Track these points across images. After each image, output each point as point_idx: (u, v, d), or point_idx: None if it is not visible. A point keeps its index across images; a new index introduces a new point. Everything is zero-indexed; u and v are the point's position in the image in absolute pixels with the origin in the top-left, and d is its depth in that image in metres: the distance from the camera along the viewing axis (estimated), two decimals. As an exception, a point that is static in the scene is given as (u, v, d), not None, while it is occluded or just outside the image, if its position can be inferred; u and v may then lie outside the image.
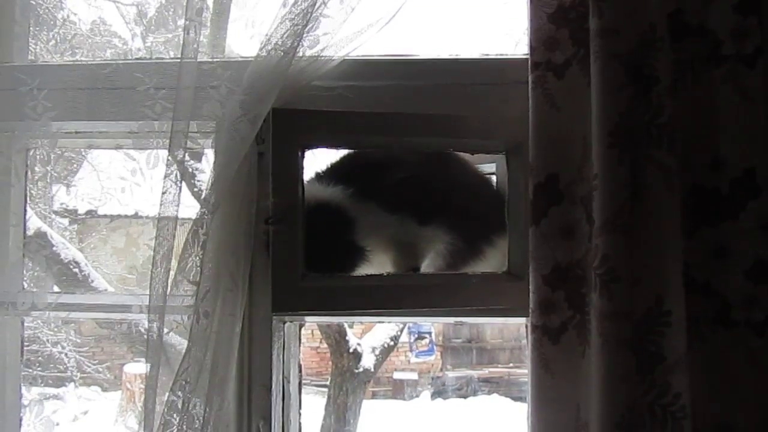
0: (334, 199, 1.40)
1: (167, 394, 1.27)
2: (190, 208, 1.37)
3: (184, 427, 1.25)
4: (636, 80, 1.19)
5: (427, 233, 1.44)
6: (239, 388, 1.41)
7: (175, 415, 1.26)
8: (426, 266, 1.46)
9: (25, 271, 1.61)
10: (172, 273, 1.30)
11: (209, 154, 1.43)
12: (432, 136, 1.41)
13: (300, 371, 1.53)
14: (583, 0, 1.24)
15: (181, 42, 1.31)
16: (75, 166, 4.51)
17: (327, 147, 1.39)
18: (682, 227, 1.20)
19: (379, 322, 4.24)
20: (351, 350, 4.34)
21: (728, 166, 1.24)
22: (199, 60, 1.32)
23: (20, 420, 1.64)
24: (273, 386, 1.43)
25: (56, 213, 4.54)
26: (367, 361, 4.39)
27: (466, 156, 1.50)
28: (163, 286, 1.28)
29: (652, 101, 1.19)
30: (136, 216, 4.65)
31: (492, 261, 1.46)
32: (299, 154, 1.33)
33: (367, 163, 1.47)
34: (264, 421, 1.42)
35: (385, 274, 1.42)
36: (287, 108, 1.33)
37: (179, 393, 1.26)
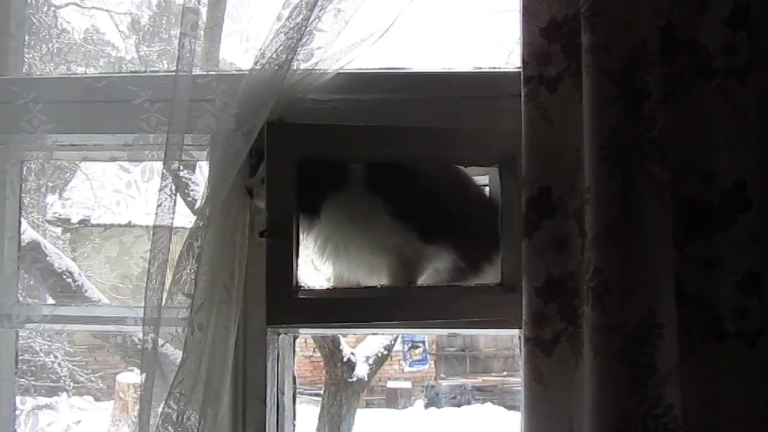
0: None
1: (162, 405, 1.27)
2: (184, 217, 1.38)
3: (179, 439, 1.26)
4: (627, 94, 1.20)
5: (430, 251, 1.44)
6: (234, 400, 1.41)
7: (169, 428, 1.26)
8: (423, 281, 1.46)
9: (18, 281, 1.61)
10: (166, 285, 1.30)
11: (203, 165, 1.43)
12: (426, 148, 1.41)
13: (294, 383, 1.53)
14: (575, 15, 1.25)
15: (174, 52, 1.31)
16: (68, 175, 4.51)
17: (321, 160, 1.39)
18: (673, 240, 1.21)
19: (373, 334, 4.23)
20: (345, 359, 4.33)
21: (719, 178, 1.25)
22: (194, 74, 1.32)
23: (14, 431, 1.64)
24: (267, 398, 1.43)
25: (49, 222, 4.53)
26: (361, 371, 4.38)
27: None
28: (158, 299, 1.29)
29: (644, 115, 1.20)
30: (129, 225, 4.64)
31: (489, 278, 1.47)
32: (293, 167, 1.33)
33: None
34: (258, 433, 1.42)
35: (379, 287, 1.42)
36: (282, 121, 1.34)
37: (174, 405, 1.26)
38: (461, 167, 1.49)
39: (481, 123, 1.43)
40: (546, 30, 1.30)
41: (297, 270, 1.34)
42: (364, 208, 1.41)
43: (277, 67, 1.31)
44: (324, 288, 1.43)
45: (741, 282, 1.23)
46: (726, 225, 1.24)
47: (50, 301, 3.32)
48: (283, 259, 1.31)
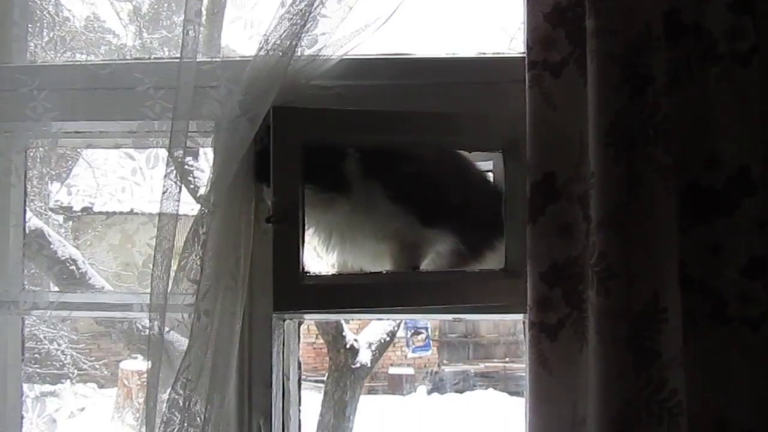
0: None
1: (168, 391, 1.27)
2: (187, 204, 1.38)
3: (186, 425, 1.26)
4: (632, 79, 1.19)
5: (430, 235, 1.44)
6: (240, 385, 1.42)
7: (176, 413, 1.26)
8: (426, 265, 1.46)
9: (23, 268, 1.62)
10: (172, 272, 1.30)
11: (208, 152, 1.43)
12: (430, 134, 1.41)
13: (299, 368, 1.53)
14: (580, 0, 1.25)
15: (175, 39, 1.32)
16: (71, 163, 4.51)
17: (327, 145, 1.39)
18: (678, 224, 1.21)
19: (379, 319, 4.24)
20: (348, 346, 4.33)
21: (723, 163, 1.25)
22: (198, 60, 1.32)
23: (21, 418, 1.65)
24: (273, 384, 1.44)
25: (52, 210, 4.53)
26: (364, 357, 4.39)
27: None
28: (164, 285, 1.29)
29: (648, 100, 1.19)
30: (131, 213, 4.65)
31: (491, 264, 1.47)
32: (299, 152, 1.33)
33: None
34: (264, 419, 1.43)
35: (384, 272, 1.43)
36: (287, 106, 1.33)
37: (180, 391, 1.27)
38: (463, 152, 1.49)
39: (485, 108, 1.43)
40: (550, 15, 1.29)
41: (303, 256, 1.34)
42: (363, 196, 1.41)
43: (281, 54, 1.31)
44: (330, 274, 1.44)
45: (745, 267, 1.24)
46: (730, 210, 1.24)
47: (55, 288, 3.33)
48: (289, 244, 1.31)
